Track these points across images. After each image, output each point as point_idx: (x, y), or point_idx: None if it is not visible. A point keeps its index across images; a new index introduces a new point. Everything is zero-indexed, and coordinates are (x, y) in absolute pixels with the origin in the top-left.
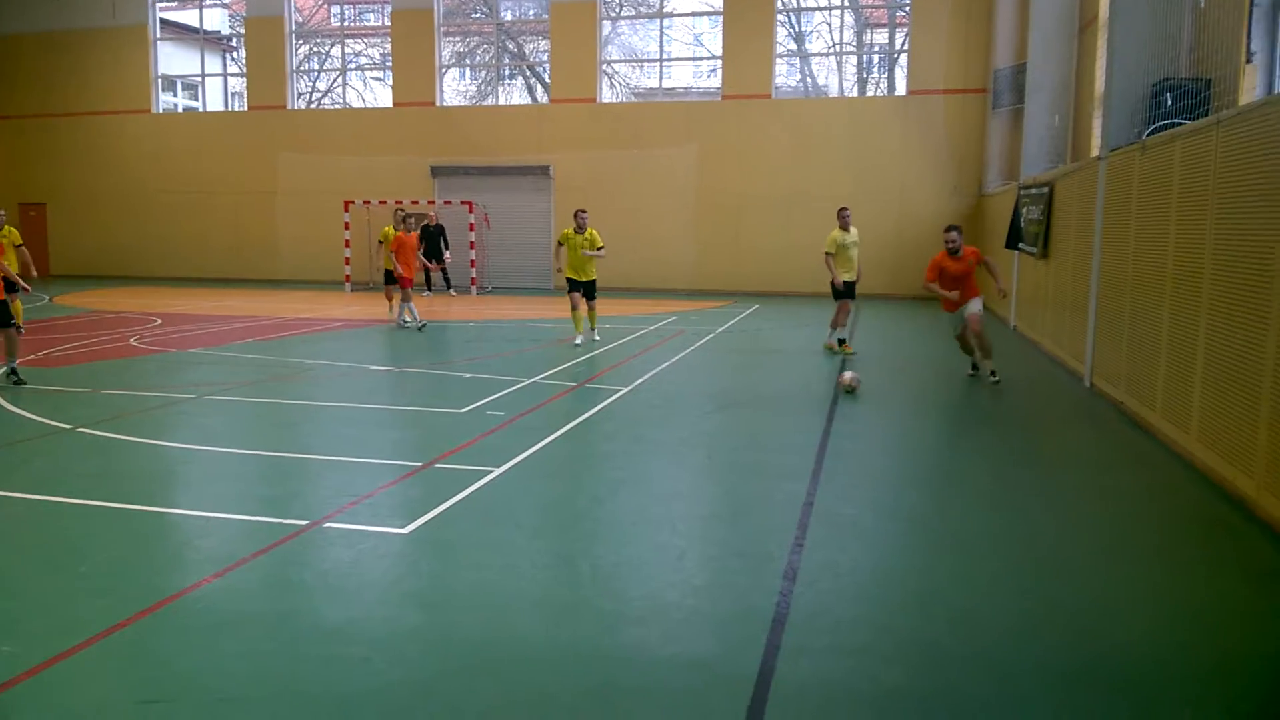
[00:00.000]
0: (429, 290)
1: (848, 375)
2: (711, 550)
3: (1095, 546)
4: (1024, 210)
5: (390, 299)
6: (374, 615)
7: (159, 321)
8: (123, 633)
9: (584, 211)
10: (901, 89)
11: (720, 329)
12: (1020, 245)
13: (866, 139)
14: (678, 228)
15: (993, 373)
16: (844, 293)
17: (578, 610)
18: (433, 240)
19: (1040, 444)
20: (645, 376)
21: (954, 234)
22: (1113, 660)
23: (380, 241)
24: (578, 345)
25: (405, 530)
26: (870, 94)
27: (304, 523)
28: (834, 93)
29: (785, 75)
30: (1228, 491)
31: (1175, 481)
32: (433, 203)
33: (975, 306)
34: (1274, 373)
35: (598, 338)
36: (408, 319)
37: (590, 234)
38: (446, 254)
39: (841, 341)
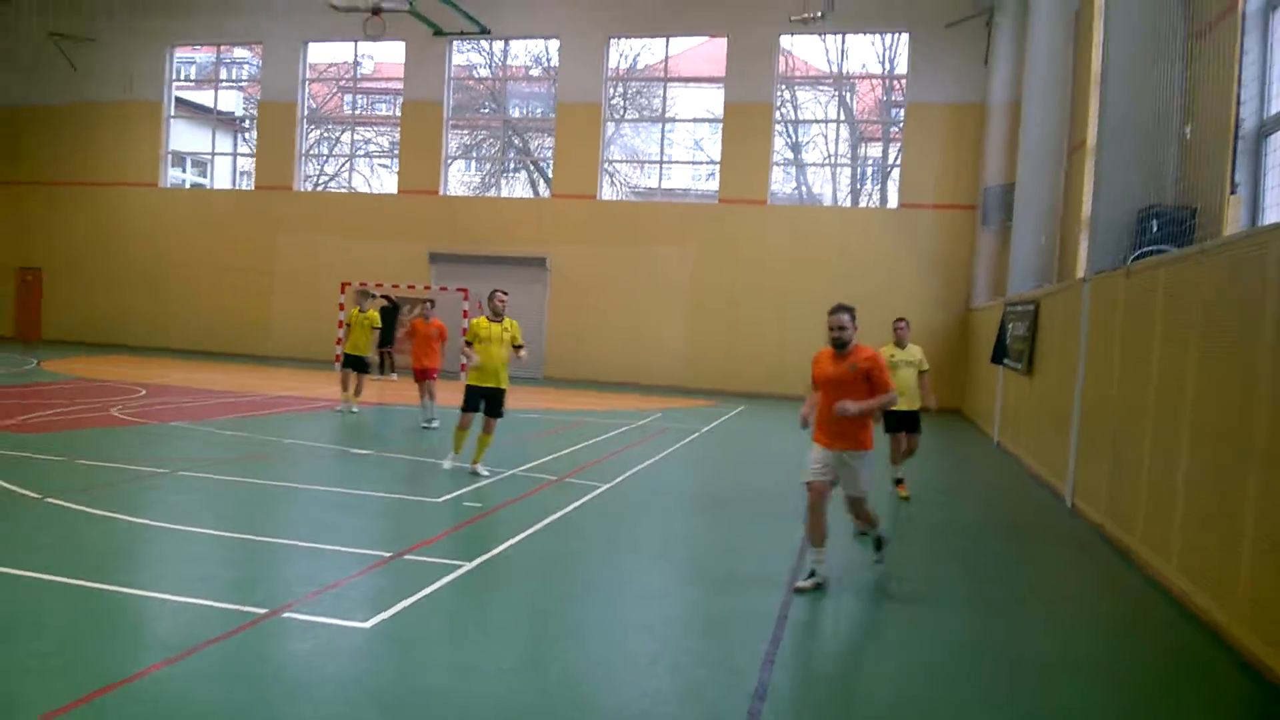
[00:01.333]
0: (380, 375)
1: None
2: (683, 659)
3: (1066, 669)
4: (1010, 326)
5: (347, 386)
6: (327, 714)
7: (144, 392)
8: (64, 717)
9: (504, 293)
10: (894, 201)
11: (705, 428)
12: (1005, 360)
13: (858, 248)
14: (670, 325)
15: (878, 546)
16: (891, 424)
17: (541, 718)
18: (388, 320)
19: (1017, 564)
20: (626, 474)
21: (841, 315)
22: None
23: (348, 324)
24: (446, 469)
25: (367, 624)
26: (863, 204)
27: (263, 610)
28: (828, 201)
29: (781, 182)
30: (1203, 621)
31: (1151, 609)
32: (429, 288)
33: (858, 469)
34: (1256, 505)
35: (485, 472)
36: (431, 419)
37: (510, 325)
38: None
39: (898, 481)
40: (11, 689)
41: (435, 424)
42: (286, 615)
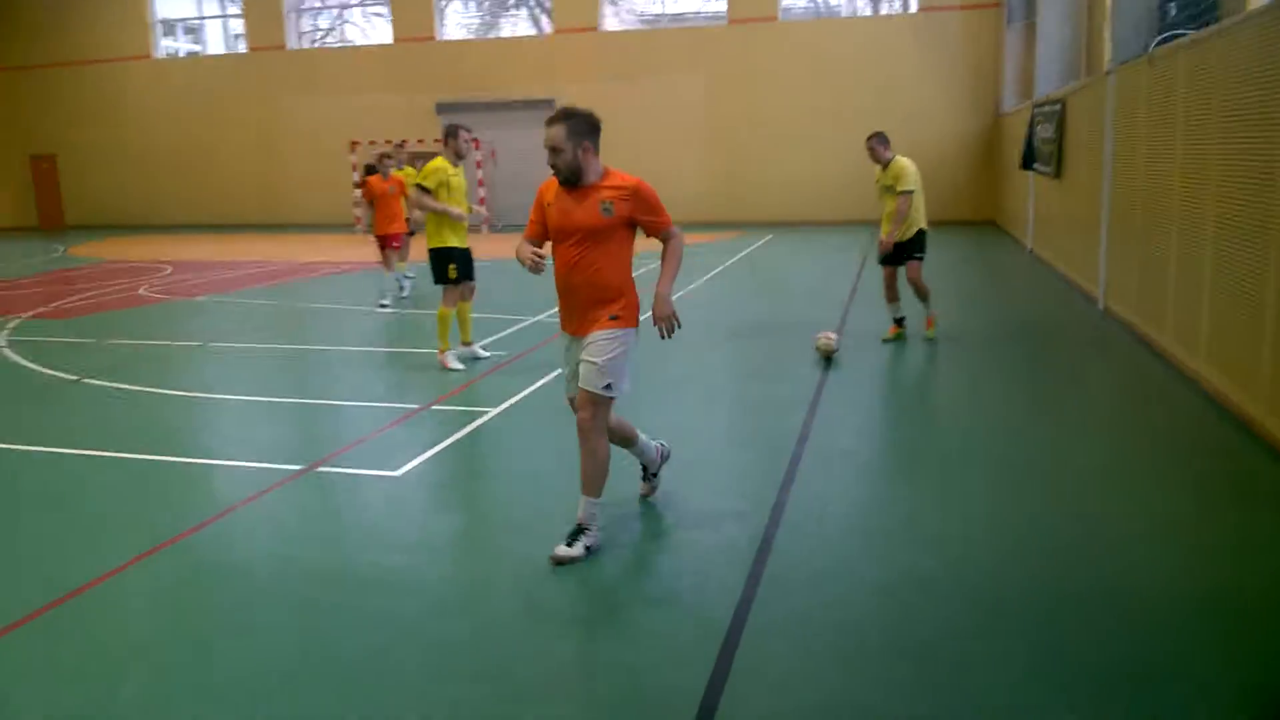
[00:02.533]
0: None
1: (824, 336)
2: (701, 487)
3: (1093, 470)
4: (1038, 129)
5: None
6: (363, 559)
7: (169, 270)
8: (118, 577)
9: (469, 131)
10: (914, 6)
11: (730, 260)
12: (1035, 166)
13: (879, 60)
14: (686, 159)
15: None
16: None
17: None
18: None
19: (1048, 368)
20: (648, 311)
21: (555, 129)
22: (1102, 587)
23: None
24: (460, 370)
25: (398, 473)
26: (884, 12)
27: (299, 466)
28: (845, 13)
29: None
30: (1234, 415)
31: (1182, 404)
32: (438, 140)
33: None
34: (1277, 289)
35: (486, 353)
36: (402, 288)
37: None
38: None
39: (897, 321)
40: (65, 553)
41: (406, 292)
42: (321, 469)
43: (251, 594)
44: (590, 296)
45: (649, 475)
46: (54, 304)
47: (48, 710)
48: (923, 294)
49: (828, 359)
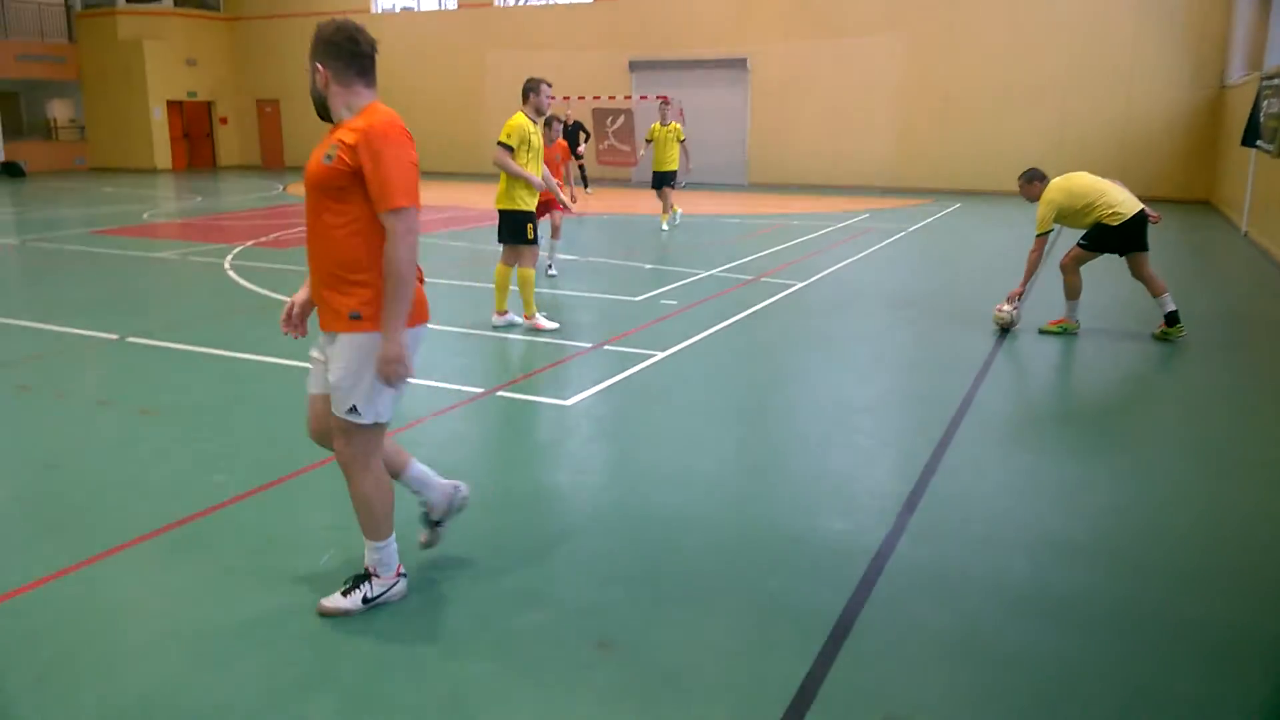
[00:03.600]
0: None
1: (1002, 307)
2: (858, 439)
3: (1273, 456)
4: (1264, 104)
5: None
6: (529, 475)
7: None
8: (317, 471)
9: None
10: None
11: (913, 228)
12: (1257, 143)
13: (1091, 24)
14: (878, 122)
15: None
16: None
17: (714, 483)
18: (571, 138)
19: (1248, 355)
20: (823, 273)
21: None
22: (1255, 569)
23: (648, 140)
24: (556, 327)
25: (568, 402)
26: None
27: (480, 390)
28: None
29: None
30: None
31: None
32: (629, 98)
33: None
34: None
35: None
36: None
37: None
38: (581, 149)
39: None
40: (276, 449)
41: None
42: (501, 394)
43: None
44: (325, 271)
45: (431, 522)
46: (272, 235)
47: (248, 579)
48: (1070, 289)
49: (1005, 331)
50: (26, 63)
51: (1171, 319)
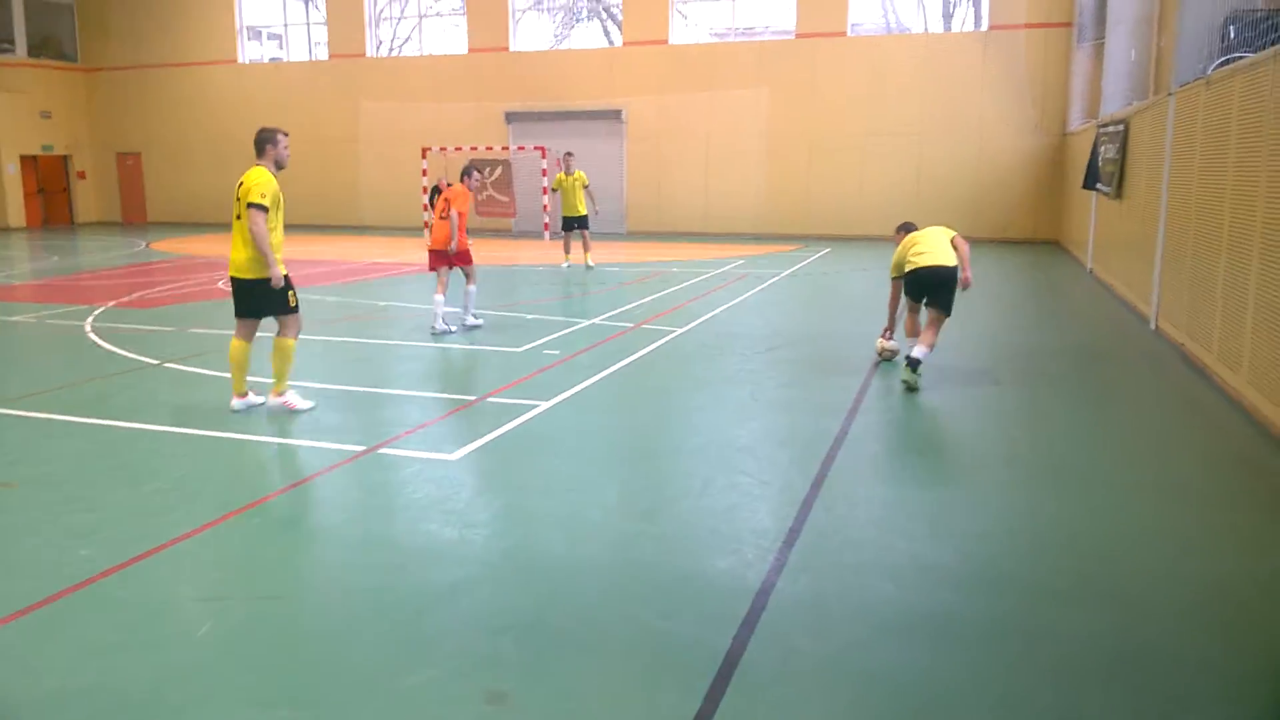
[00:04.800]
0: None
1: (884, 339)
2: (738, 479)
3: (1122, 477)
4: (1102, 149)
5: (568, 250)
6: (417, 529)
7: None
8: (191, 540)
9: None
10: (984, 23)
11: (785, 272)
12: (1097, 185)
13: (946, 76)
14: (749, 171)
15: None
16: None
17: (601, 527)
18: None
19: (1092, 383)
20: (702, 318)
21: None
22: (1106, 579)
23: (553, 189)
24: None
25: (453, 456)
26: (955, 29)
27: (362, 448)
28: (919, 30)
29: (866, 12)
30: (1272, 433)
31: (1221, 422)
32: (506, 149)
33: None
34: None
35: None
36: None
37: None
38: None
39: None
40: (145, 523)
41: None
42: (382, 451)
43: (313, 557)
44: None
45: None
46: (136, 294)
47: (122, 655)
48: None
49: (888, 359)
50: None
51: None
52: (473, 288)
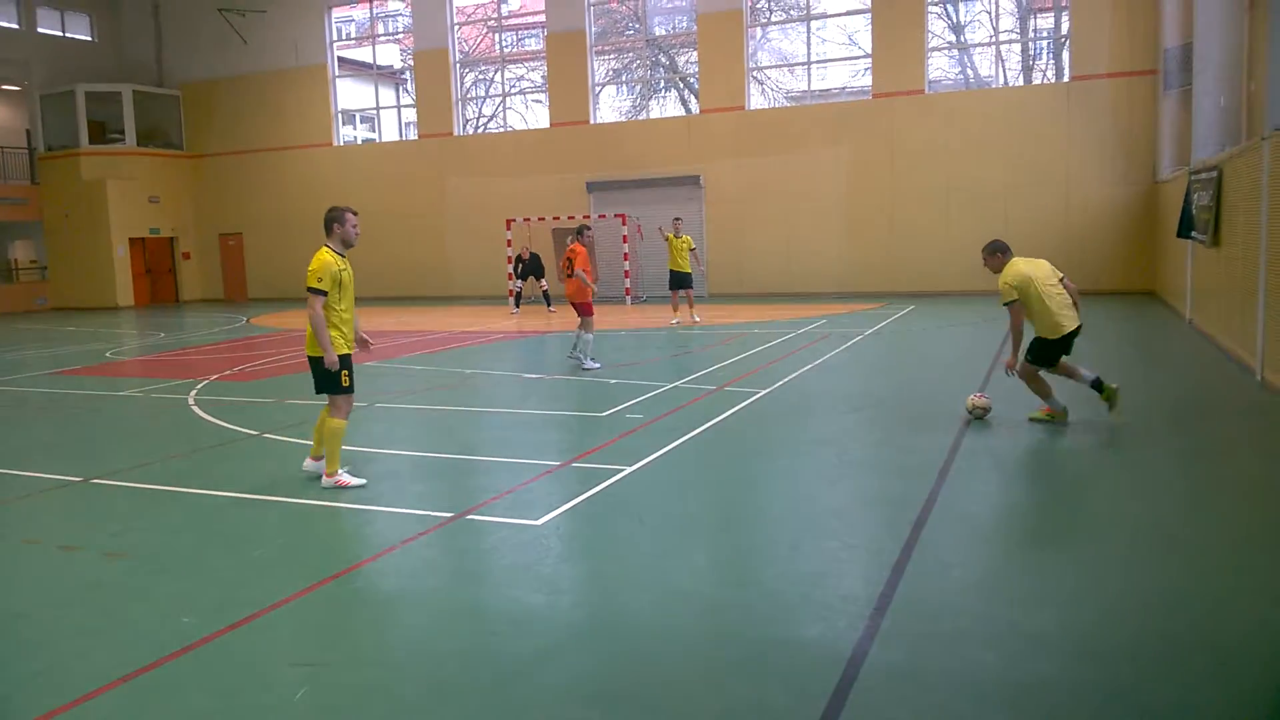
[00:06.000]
0: (517, 308)
1: (976, 396)
2: (827, 544)
3: (1232, 538)
4: (1195, 196)
5: (677, 307)
6: (502, 595)
7: None
8: (286, 607)
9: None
10: (1066, 75)
11: (868, 331)
12: (1192, 234)
13: (1029, 130)
14: (829, 230)
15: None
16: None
17: (687, 594)
18: (534, 268)
19: (1199, 439)
20: (785, 379)
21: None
22: (1217, 649)
23: (666, 239)
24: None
25: (538, 522)
26: (1035, 81)
27: (450, 514)
28: (999, 84)
29: (945, 69)
30: None
31: None
32: (588, 217)
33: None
34: None
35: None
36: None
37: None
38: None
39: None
40: (243, 590)
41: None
42: (469, 517)
43: (406, 622)
44: None
45: None
46: (237, 368)
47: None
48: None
49: (980, 418)
50: None
51: (1098, 385)
52: (589, 336)
